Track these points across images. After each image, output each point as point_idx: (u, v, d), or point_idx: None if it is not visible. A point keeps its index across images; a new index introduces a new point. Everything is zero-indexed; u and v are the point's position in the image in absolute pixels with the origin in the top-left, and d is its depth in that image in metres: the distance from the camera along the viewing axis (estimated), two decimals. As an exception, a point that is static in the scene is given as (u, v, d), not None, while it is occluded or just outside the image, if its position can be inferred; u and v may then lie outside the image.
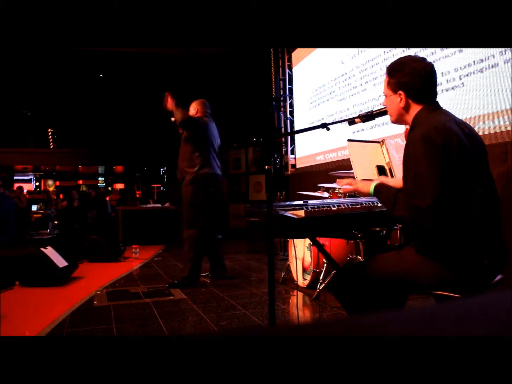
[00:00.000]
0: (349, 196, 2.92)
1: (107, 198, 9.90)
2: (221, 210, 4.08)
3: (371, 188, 1.55)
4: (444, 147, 1.34)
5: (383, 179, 1.81)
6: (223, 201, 4.10)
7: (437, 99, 1.54)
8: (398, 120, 1.58)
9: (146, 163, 16.78)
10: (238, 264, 4.98)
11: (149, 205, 8.12)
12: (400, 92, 1.50)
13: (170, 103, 3.54)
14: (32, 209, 9.40)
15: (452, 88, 3.49)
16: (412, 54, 3.99)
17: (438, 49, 3.55)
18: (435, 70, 1.49)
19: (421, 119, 1.47)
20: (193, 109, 3.89)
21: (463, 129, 1.43)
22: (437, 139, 1.34)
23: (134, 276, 4.38)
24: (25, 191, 11.03)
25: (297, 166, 6.66)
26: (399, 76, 1.48)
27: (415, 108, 1.50)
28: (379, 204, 1.70)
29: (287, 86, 6.86)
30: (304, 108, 6.43)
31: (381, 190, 1.53)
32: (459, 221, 1.38)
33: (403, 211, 1.39)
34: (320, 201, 1.99)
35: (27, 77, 10.91)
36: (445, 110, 1.51)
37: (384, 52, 4.49)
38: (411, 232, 1.54)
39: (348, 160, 1.91)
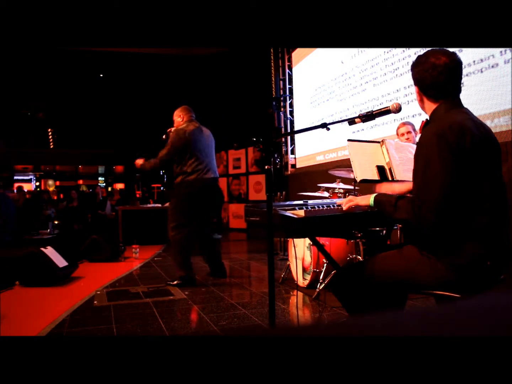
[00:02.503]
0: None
1: (115, 198, 9.92)
2: (216, 211, 4.14)
3: (370, 200, 1.55)
4: (457, 146, 1.33)
5: (385, 185, 1.82)
6: (217, 202, 4.14)
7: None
8: (422, 110, 1.58)
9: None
10: (238, 264, 4.98)
11: (149, 205, 8.12)
12: (416, 87, 1.51)
13: (137, 164, 3.94)
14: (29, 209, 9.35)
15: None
16: (414, 53, 4.00)
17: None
18: (452, 67, 1.42)
19: (437, 115, 1.46)
20: (178, 117, 3.89)
21: (479, 129, 1.41)
22: (451, 138, 1.33)
23: (134, 276, 4.38)
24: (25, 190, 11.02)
25: (297, 166, 6.66)
26: (414, 72, 1.49)
27: (429, 104, 1.50)
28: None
29: (287, 86, 6.87)
30: (304, 108, 6.43)
31: (381, 199, 1.52)
32: (464, 221, 1.37)
33: (405, 214, 1.39)
34: (320, 201, 1.99)
35: (28, 77, 10.90)
36: (464, 108, 1.49)
37: (384, 52, 4.49)
38: (413, 231, 1.53)
39: (348, 160, 1.91)
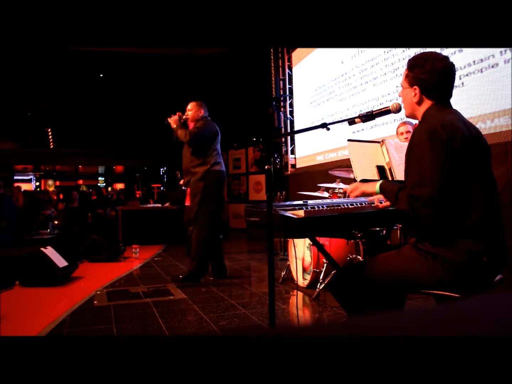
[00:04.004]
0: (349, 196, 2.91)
1: (113, 198, 9.93)
2: (222, 210, 4.13)
3: (376, 187, 1.57)
4: (449, 144, 1.36)
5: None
6: (224, 200, 4.16)
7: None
8: (411, 114, 1.60)
9: (146, 163, 16.78)
10: (238, 264, 4.98)
11: (149, 205, 8.12)
12: (416, 87, 1.51)
13: (175, 121, 3.77)
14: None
15: (452, 88, 3.49)
16: (414, 53, 4.00)
17: (438, 49, 3.55)
18: (454, 71, 1.50)
19: (429, 115, 1.50)
20: (198, 111, 3.87)
21: (469, 129, 1.45)
22: (442, 135, 1.36)
23: (134, 276, 4.38)
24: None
25: (297, 166, 6.65)
26: (418, 72, 1.50)
27: (427, 104, 1.52)
28: (379, 204, 1.71)
29: (287, 86, 6.86)
30: (304, 108, 6.43)
31: (385, 187, 1.54)
32: (458, 218, 1.39)
33: (404, 206, 1.40)
34: (320, 201, 1.99)
35: (27, 77, 10.90)
36: (455, 109, 1.53)
37: (384, 52, 4.48)
38: (411, 228, 1.55)
39: (348, 160, 1.91)
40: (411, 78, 1.53)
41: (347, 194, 1.77)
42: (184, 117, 3.84)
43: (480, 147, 1.46)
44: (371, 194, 1.63)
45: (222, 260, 4.05)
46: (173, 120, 3.79)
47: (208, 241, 3.72)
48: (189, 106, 3.90)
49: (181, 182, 4.54)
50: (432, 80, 1.47)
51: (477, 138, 1.46)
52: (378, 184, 1.57)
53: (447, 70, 1.47)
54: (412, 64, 1.53)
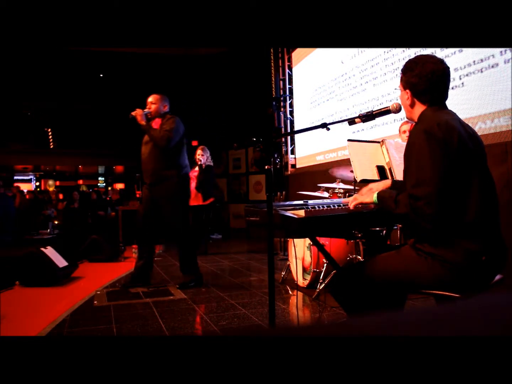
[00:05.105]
0: (349, 196, 2.91)
1: (113, 198, 9.95)
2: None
3: (374, 197, 1.56)
4: (445, 142, 1.36)
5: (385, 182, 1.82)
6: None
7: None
8: (408, 116, 1.62)
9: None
10: (238, 264, 4.97)
11: (149, 205, 8.09)
12: (408, 90, 1.53)
13: (141, 116, 3.49)
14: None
15: (452, 88, 3.49)
16: (414, 53, 4.00)
17: (438, 49, 3.56)
18: (447, 74, 1.49)
19: (425, 116, 1.50)
20: (163, 106, 3.61)
21: (466, 129, 1.46)
22: (438, 134, 1.37)
23: (134, 276, 4.37)
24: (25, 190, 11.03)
25: (297, 166, 6.65)
26: (409, 75, 1.51)
27: (420, 107, 1.53)
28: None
29: (287, 86, 6.86)
30: (304, 108, 6.43)
31: (383, 195, 1.54)
32: (456, 217, 1.39)
33: (404, 208, 1.40)
34: (320, 201, 2.00)
35: (27, 77, 10.91)
36: (450, 110, 1.53)
37: (384, 52, 4.48)
38: (411, 229, 1.55)
39: (348, 160, 1.91)
40: (404, 81, 1.54)
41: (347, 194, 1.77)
42: (146, 110, 3.55)
43: (477, 147, 1.47)
44: (369, 204, 1.63)
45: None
46: (139, 115, 3.48)
47: (194, 247, 3.68)
48: (151, 99, 3.60)
49: None
50: (422, 84, 1.47)
51: (473, 138, 1.47)
52: (375, 194, 1.57)
53: (439, 74, 1.46)
54: (405, 67, 1.54)
